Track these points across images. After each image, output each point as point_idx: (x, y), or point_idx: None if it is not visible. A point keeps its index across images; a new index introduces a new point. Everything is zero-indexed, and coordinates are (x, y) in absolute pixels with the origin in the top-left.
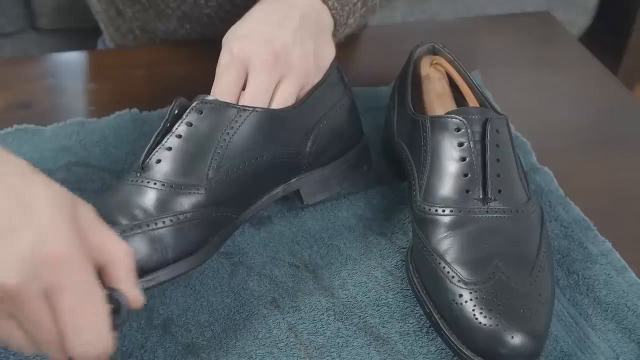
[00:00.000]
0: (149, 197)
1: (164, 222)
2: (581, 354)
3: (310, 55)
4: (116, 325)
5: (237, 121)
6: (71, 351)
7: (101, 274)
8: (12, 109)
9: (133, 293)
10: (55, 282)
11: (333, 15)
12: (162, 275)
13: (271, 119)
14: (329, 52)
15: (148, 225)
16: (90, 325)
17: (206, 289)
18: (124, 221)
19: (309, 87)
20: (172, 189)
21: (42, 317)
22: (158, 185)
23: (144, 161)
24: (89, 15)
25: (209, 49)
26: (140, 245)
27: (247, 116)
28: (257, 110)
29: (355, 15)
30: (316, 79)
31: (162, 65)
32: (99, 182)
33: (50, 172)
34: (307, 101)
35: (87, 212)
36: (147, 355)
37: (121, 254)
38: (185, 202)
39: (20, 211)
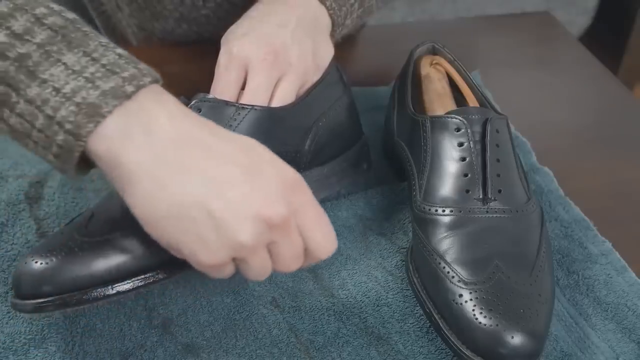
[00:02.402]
0: None
1: None
2: (581, 354)
3: (309, 54)
4: None
5: (235, 119)
6: (312, 259)
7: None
8: None
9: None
10: (302, 202)
11: (331, 16)
12: (162, 273)
13: (270, 117)
14: (328, 52)
15: None
16: (326, 230)
17: (206, 288)
18: (124, 220)
19: (308, 85)
20: None
21: (295, 236)
22: None
23: None
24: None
25: (207, 49)
26: (140, 243)
27: (246, 114)
28: (255, 109)
29: (353, 16)
30: (315, 77)
31: (161, 66)
32: (99, 182)
33: (50, 172)
34: (305, 99)
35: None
36: (147, 355)
37: None
38: None
39: (256, 157)
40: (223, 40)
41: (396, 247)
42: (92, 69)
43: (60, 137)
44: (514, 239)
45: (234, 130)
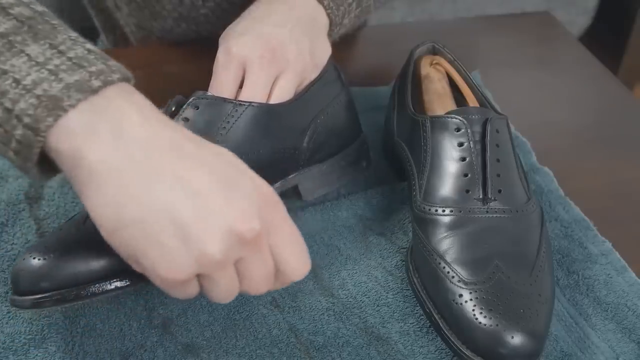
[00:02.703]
0: None
1: None
2: (581, 354)
3: (307, 52)
4: None
5: (233, 116)
6: (283, 282)
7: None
8: None
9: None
10: (277, 220)
11: (328, 15)
12: None
13: (267, 113)
14: (325, 50)
15: None
16: (299, 250)
17: None
18: None
19: (305, 83)
20: None
21: (267, 255)
22: None
23: None
24: (87, 15)
25: (206, 48)
26: None
27: (243, 111)
28: (253, 105)
29: (350, 16)
30: (313, 75)
31: (160, 65)
32: None
33: None
34: (303, 97)
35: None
36: (146, 355)
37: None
38: None
39: (233, 168)
40: (221, 39)
41: (396, 247)
42: (56, 61)
43: (18, 132)
44: (514, 239)
45: (231, 127)
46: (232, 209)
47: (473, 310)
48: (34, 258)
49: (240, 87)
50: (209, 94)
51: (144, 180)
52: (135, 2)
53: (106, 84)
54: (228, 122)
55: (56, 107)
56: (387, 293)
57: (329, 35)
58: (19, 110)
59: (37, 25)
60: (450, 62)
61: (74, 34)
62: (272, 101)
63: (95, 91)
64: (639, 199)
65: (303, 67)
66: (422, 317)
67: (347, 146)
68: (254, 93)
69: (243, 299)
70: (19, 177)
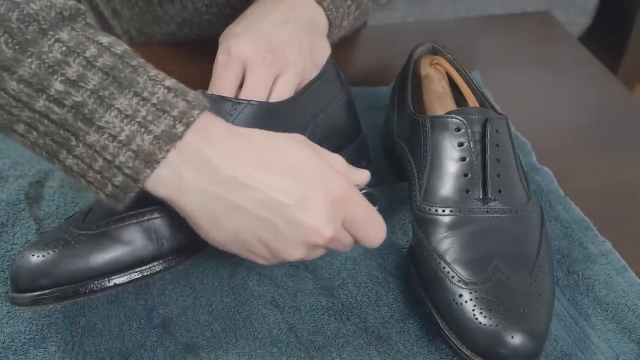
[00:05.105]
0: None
1: (159, 213)
2: (581, 354)
3: (307, 52)
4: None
5: (232, 114)
6: (364, 245)
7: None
8: None
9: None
10: (350, 212)
11: (328, 17)
12: (158, 265)
13: (266, 111)
14: (325, 50)
15: (144, 216)
16: (375, 225)
17: (206, 288)
18: (119, 212)
19: (305, 83)
20: None
21: (343, 239)
22: None
23: None
24: None
25: (206, 49)
26: (135, 235)
27: (242, 109)
28: (252, 103)
29: (350, 17)
30: (313, 75)
31: (160, 65)
32: None
33: (50, 172)
34: (302, 96)
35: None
36: (146, 355)
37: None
38: None
39: (303, 179)
40: (221, 39)
41: (396, 247)
42: (143, 112)
43: (118, 179)
44: (514, 239)
45: None
46: (305, 224)
47: (473, 310)
48: (33, 255)
49: (241, 86)
50: (208, 92)
51: (229, 215)
52: (138, 7)
53: (188, 125)
54: (227, 120)
55: (150, 160)
56: (387, 293)
57: (328, 37)
58: (119, 163)
59: (120, 74)
60: (450, 62)
61: (153, 72)
62: (272, 100)
63: (180, 137)
64: (639, 199)
65: (303, 67)
66: (422, 317)
67: (346, 145)
68: (254, 92)
69: (243, 299)
70: (19, 177)
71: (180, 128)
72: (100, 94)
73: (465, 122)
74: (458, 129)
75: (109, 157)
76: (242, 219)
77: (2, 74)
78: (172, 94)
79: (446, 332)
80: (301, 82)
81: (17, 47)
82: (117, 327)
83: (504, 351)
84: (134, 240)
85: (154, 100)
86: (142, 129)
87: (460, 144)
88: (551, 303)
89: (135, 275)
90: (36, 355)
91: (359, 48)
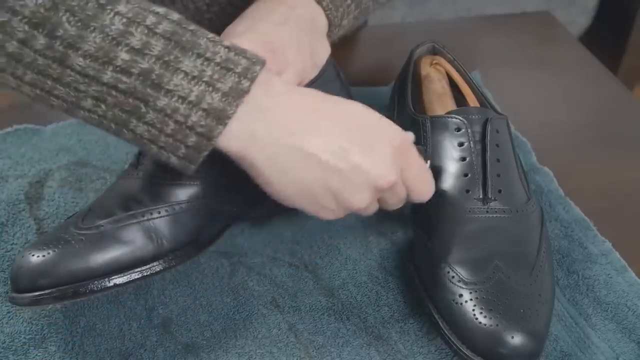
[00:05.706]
0: (144, 189)
1: (159, 212)
2: (581, 354)
3: (307, 52)
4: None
5: None
6: (414, 200)
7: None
8: (13, 109)
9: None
10: (408, 161)
11: (327, 16)
12: (158, 265)
13: None
14: (325, 50)
15: (143, 216)
16: (426, 179)
17: (206, 288)
18: (119, 212)
19: (305, 83)
20: (167, 181)
21: (401, 190)
22: (153, 178)
23: (139, 156)
24: None
25: None
26: (135, 235)
27: None
28: None
29: (349, 17)
30: (312, 75)
31: None
32: (99, 182)
33: (50, 172)
34: None
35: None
36: (146, 355)
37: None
38: (181, 194)
39: (367, 127)
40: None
41: (396, 247)
42: (209, 72)
43: (192, 139)
44: (514, 239)
45: None
46: (370, 169)
47: (473, 310)
48: (33, 255)
49: None
50: None
51: (297, 165)
52: None
53: (253, 80)
54: None
55: (222, 116)
56: (387, 293)
57: (328, 36)
58: (192, 123)
59: (181, 38)
60: (450, 62)
61: (210, 34)
62: None
63: (247, 92)
64: (639, 199)
65: (303, 67)
66: (422, 317)
67: None
68: None
69: (243, 299)
70: (19, 177)
71: (245, 83)
72: (165, 59)
73: (466, 122)
74: (458, 129)
75: (180, 119)
76: (311, 168)
77: (67, 52)
78: (233, 53)
79: (446, 332)
80: (301, 82)
81: (79, 24)
82: (117, 327)
83: (504, 351)
84: (133, 240)
85: (218, 60)
86: (210, 88)
87: (461, 144)
88: (551, 303)
89: (135, 275)
90: (36, 355)
91: (359, 48)
